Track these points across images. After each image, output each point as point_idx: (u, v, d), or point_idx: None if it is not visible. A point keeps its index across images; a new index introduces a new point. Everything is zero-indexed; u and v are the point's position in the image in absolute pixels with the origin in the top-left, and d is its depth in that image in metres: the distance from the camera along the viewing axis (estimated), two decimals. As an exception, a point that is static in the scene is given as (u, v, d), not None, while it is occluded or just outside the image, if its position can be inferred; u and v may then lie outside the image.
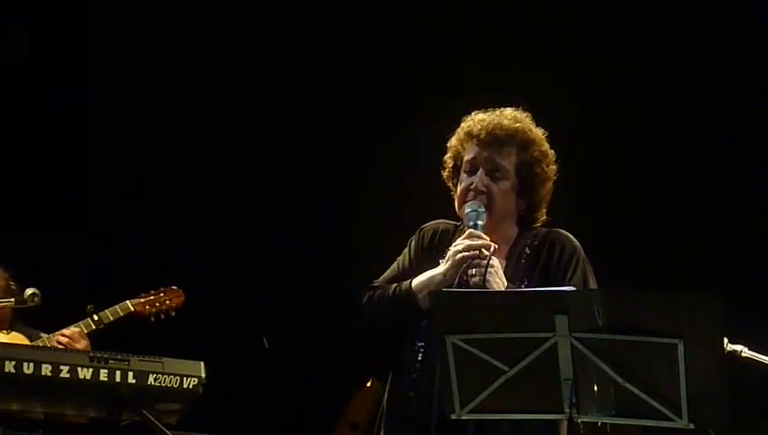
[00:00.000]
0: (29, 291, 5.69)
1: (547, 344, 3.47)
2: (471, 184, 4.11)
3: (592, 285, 4.07)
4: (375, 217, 6.25)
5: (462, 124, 4.23)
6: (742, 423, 3.78)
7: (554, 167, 4.19)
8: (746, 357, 4.88)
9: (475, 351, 3.52)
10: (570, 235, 4.17)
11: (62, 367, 3.88)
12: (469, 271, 3.94)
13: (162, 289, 6.00)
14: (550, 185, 4.20)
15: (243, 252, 7.42)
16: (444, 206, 4.31)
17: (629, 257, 6.98)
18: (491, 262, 3.94)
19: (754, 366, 4.90)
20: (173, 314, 5.98)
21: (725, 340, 4.27)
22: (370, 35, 7.42)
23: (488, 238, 4.00)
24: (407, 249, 4.24)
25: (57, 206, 7.33)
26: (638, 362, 3.46)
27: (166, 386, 3.98)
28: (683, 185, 7.12)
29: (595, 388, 3.51)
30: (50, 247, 7.02)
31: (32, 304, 5.68)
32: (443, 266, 4.03)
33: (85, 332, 5.72)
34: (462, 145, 4.19)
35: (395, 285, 4.11)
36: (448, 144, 4.25)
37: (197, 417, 4.20)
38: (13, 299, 5.71)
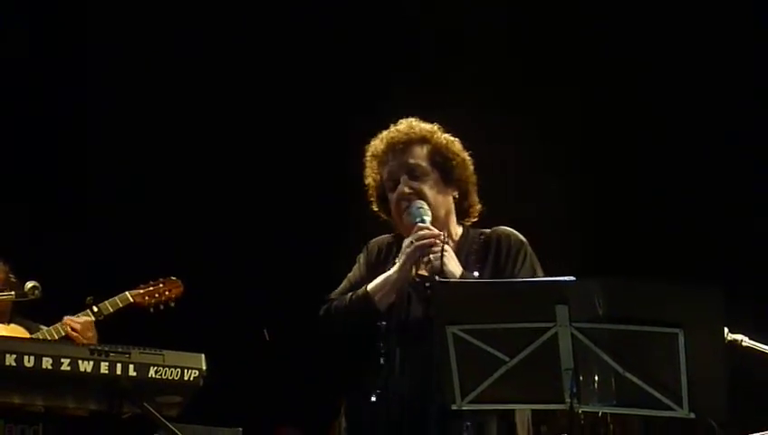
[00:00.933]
0: (29, 284, 5.70)
1: (548, 335, 3.48)
2: (399, 194, 4.20)
3: (541, 276, 4.15)
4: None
5: (366, 158, 4.35)
6: (742, 413, 3.78)
7: (462, 149, 4.29)
8: (747, 346, 4.89)
9: (475, 341, 3.53)
10: (515, 230, 4.28)
11: (62, 360, 3.87)
12: (424, 259, 4.04)
13: (161, 280, 6.00)
14: (470, 169, 4.30)
15: (244, 245, 7.43)
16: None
17: (627, 254, 7.01)
18: (445, 250, 4.02)
19: (755, 355, 4.91)
20: (172, 304, 5.98)
21: (726, 329, 4.27)
22: (369, 36, 7.43)
23: (436, 230, 4.09)
24: (356, 264, 4.34)
25: (57, 199, 7.34)
26: (638, 352, 3.47)
27: (167, 378, 3.97)
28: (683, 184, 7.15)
29: (596, 378, 3.52)
30: (49, 240, 7.03)
31: (32, 296, 5.70)
32: (397, 265, 4.11)
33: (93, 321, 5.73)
34: (375, 172, 4.31)
35: (350, 293, 4.19)
36: (366, 182, 4.35)
37: (198, 409, 4.20)
38: (13, 292, 5.71)
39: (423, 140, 4.26)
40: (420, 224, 4.11)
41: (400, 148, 4.25)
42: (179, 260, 6.61)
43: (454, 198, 4.28)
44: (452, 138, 4.30)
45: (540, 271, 4.19)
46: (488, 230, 4.29)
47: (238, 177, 7.52)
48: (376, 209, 4.39)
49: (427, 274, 4.08)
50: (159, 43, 7.43)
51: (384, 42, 7.42)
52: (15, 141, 7.34)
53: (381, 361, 4.02)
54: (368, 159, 4.35)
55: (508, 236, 4.24)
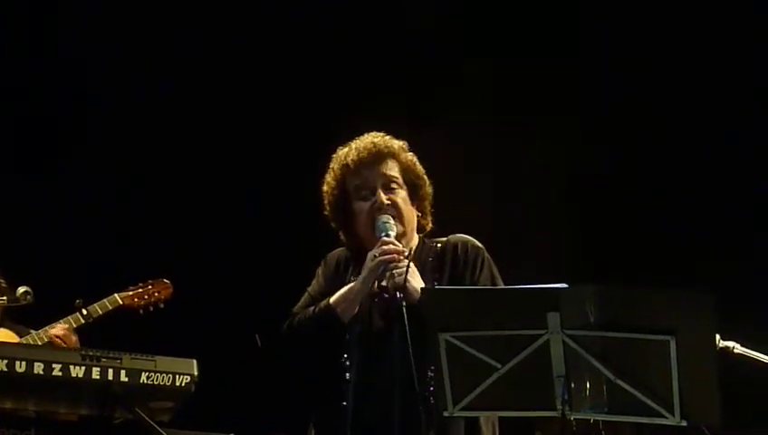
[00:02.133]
0: (21, 289, 5.69)
1: (539, 342, 3.48)
2: (374, 202, 4.22)
3: (500, 283, 4.18)
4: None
5: (332, 165, 4.35)
6: (734, 420, 3.78)
7: (420, 167, 4.33)
8: (739, 353, 4.89)
9: (467, 348, 3.52)
10: (471, 237, 4.30)
11: (54, 365, 3.87)
12: (386, 274, 4.05)
13: (150, 281, 5.98)
14: (428, 186, 4.34)
15: (235, 248, 7.42)
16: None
17: (622, 257, 7.01)
18: (409, 267, 4.03)
19: (747, 362, 4.91)
20: (162, 306, 5.96)
21: (718, 336, 4.27)
22: (368, 35, 7.43)
23: (400, 245, 4.12)
24: (315, 278, 4.35)
25: (48, 201, 7.32)
26: (630, 359, 3.47)
27: (158, 384, 3.98)
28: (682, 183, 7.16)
29: (587, 385, 3.52)
30: (38, 241, 7.01)
31: (24, 302, 5.68)
32: (360, 277, 4.13)
33: (74, 326, 5.70)
34: (340, 180, 4.30)
35: (313, 306, 4.21)
36: (324, 189, 4.36)
37: (190, 415, 4.20)
38: (5, 298, 5.70)
39: (395, 155, 4.28)
40: (385, 238, 4.13)
41: (374, 159, 4.26)
42: (169, 262, 6.60)
43: (417, 215, 4.31)
44: (413, 157, 4.33)
45: (498, 277, 4.22)
46: (444, 239, 4.31)
47: (231, 178, 7.51)
48: (329, 216, 4.38)
49: (388, 287, 4.08)
50: (159, 43, 7.42)
51: (382, 42, 7.42)
52: (7, 142, 7.32)
53: (347, 375, 4.04)
54: (334, 166, 4.34)
55: (465, 243, 4.27)
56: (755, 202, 7.02)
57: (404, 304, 3.97)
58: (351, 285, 4.15)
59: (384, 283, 4.10)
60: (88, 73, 7.49)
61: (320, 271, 4.35)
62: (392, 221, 4.17)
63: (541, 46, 7.31)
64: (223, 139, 7.53)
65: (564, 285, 3.62)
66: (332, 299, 4.15)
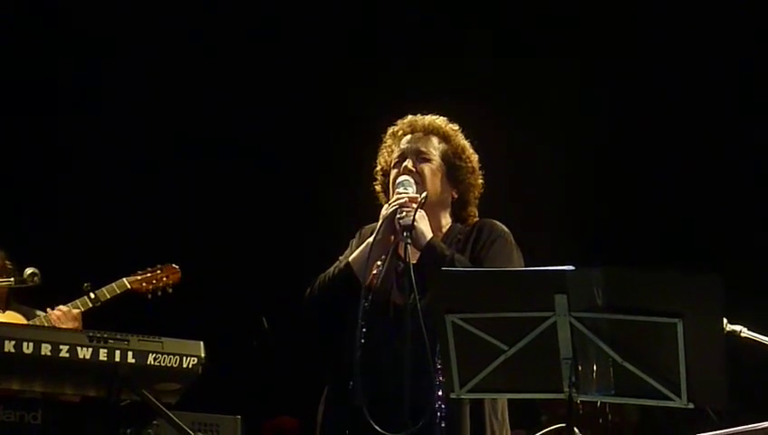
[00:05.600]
0: (29, 270, 5.69)
1: (546, 324, 3.48)
2: (402, 169, 4.30)
3: (518, 263, 4.21)
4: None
5: (385, 135, 4.46)
6: (740, 403, 3.78)
7: (476, 159, 4.40)
8: (746, 337, 4.88)
9: (474, 330, 3.52)
10: (500, 223, 4.35)
11: (61, 347, 3.87)
12: (398, 216, 4.13)
13: (159, 266, 5.98)
14: (478, 179, 4.41)
15: (243, 231, 7.43)
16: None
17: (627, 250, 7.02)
18: (419, 211, 4.12)
19: (754, 346, 4.91)
20: (170, 290, 5.97)
21: (725, 320, 4.27)
22: (368, 35, 7.44)
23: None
24: (348, 248, 4.40)
25: (56, 186, 7.34)
26: (637, 342, 3.46)
27: (165, 366, 3.97)
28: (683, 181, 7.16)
29: (594, 367, 3.52)
30: (46, 226, 7.03)
31: (31, 283, 5.69)
32: (376, 230, 4.20)
33: (82, 309, 5.71)
34: (389, 150, 4.42)
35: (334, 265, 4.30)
36: (377, 160, 4.46)
37: (197, 396, 4.20)
38: (12, 279, 5.71)
39: (443, 136, 4.38)
40: (400, 190, 4.21)
41: (419, 134, 4.37)
42: (178, 246, 6.60)
43: (453, 197, 4.36)
44: (467, 144, 4.40)
45: (515, 261, 4.24)
46: (475, 221, 4.38)
47: (238, 162, 7.52)
48: (378, 190, 4.45)
49: (397, 229, 4.15)
50: (158, 42, 7.43)
51: (382, 41, 7.44)
52: (14, 127, 7.33)
53: (362, 340, 4.08)
54: (387, 137, 4.45)
55: (491, 225, 4.33)
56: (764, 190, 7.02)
57: (409, 242, 4.07)
58: (369, 239, 4.21)
59: (400, 251, 4.16)
60: (89, 59, 7.51)
61: (353, 241, 4.42)
62: (413, 181, 4.24)
63: (541, 44, 7.33)
64: (228, 125, 7.54)
65: (571, 268, 3.62)
66: (351, 257, 4.25)
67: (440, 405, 4.01)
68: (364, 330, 4.10)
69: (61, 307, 5.68)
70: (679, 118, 7.21)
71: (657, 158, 7.27)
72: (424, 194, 4.21)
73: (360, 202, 4.68)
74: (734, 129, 7.10)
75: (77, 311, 5.67)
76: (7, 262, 5.79)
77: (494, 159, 4.53)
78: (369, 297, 4.16)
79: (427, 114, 4.43)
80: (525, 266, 4.20)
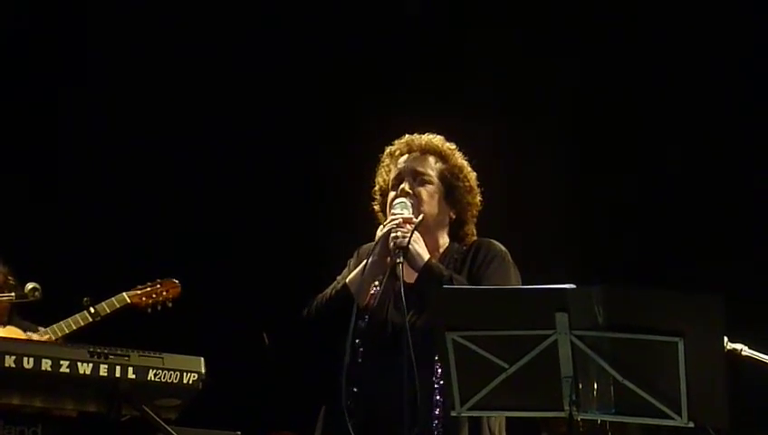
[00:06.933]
0: (30, 285, 5.70)
1: (547, 342, 3.48)
2: (398, 191, 4.29)
3: (515, 282, 4.21)
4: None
5: (384, 155, 4.45)
6: (741, 422, 3.78)
7: (474, 177, 4.39)
8: (746, 356, 4.88)
9: (475, 348, 3.52)
10: (497, 242, 4.34)
11: (61, 362, 3.87)
12: (392, 235, 4.12)
13: (159, 281, 5.99)
14: (476, 197, 4.39)
15: (243, 247, 7.42)
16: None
17: (628, 258, 7.00)
18: (414, 234, 4.12)
19: (755, 365, 4.91)
20: (170, 305, 5.98)
21: (725, 338, 4.26)
22: (367, 34, 7.44)
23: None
24: (346, 268, 4.40)
25: (56, 200, 7.33)
26: (638, 360, 3.46)
27: (166, 381, 3.97)
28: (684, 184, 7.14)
29: (595, 386, 3.52)
30: (47, 241, 7.02)
31: (32, 298, 5.69)
32: (372, 251, 4.20)
33: (82, 324, 5.71)
34: (386, 169, 4.41)
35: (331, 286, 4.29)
36: (375, 180, 4.46)
37: (197, 412, 4.20)
38: (13, 294, 5.71)
39: (440, 155, 4.37)
40: (396, 211, 4.21)
41: (416, 154, 4.36)
42: (178, 261, 6.61)
43: (450, 217, 4.35)
44: (466, 164, 4.40)
45: (513, 279, 4.24)
46: (472, 240, 4.37)
47: (238, 177, 7.52)
48: (377, 209, 4.45)
49: (391, 249, 4.14)
50: (157, 41, 7.43)
51: (381, 41, 7.43)
52: (16, 140, 7.33)
53: (360, 359, 4.09)
54: (385, 157, 4.45)
55: (489, 245, 4.32)
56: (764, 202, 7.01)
57: (399, 260, 4.07)
58: (365, 261, 4.20)
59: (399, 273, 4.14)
60: (88, 73, 7.52)
61: (351, 261, 4.42)
62: (408, 203, 4.23)
63: (541, 45, 7.33)
64: (229, 139, 7.53)
65: (572, 286, 3.62)
66: (348, 278, 4.25)
67: (437, 424, 4.01)
68: (361, 349, 4.11)
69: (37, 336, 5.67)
70: (680, 124, 7.20)
71: (658, 173, 7.25)
72: (420, 217, 4.20)
73: (354, 218, 4.69)
74: (735, 137, 7.08)
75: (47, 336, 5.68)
76: (9, 277, 5.79)
77: (493, 176, 4.53)
78: (366, 317, 4.17)
79: (424, 133, 4.42)
80: (524, 285, 4.20)
